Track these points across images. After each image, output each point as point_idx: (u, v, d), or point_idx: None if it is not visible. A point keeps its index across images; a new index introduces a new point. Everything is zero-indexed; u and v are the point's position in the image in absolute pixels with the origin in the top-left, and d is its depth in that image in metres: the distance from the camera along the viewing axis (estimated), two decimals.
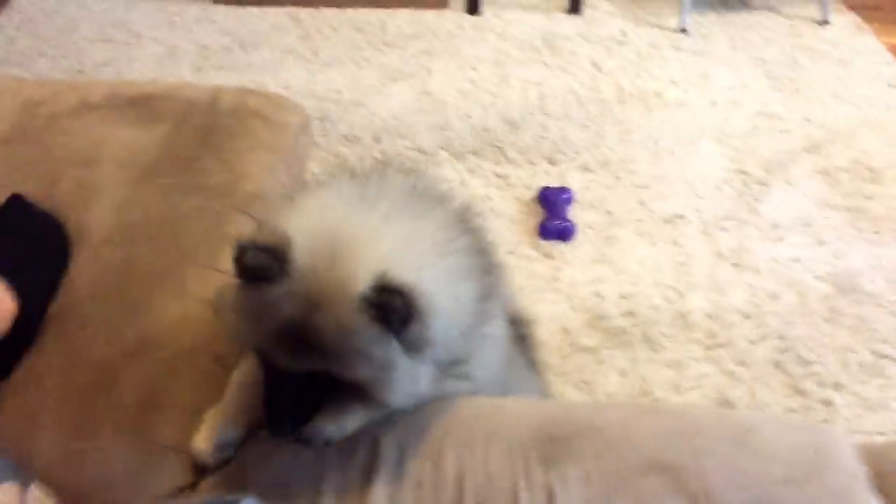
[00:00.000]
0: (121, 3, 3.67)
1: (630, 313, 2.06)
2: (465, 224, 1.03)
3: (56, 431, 1.08)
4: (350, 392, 0.92)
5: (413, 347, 0.90)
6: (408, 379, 0.92)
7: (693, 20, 3.48)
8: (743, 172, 2.57)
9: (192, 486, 1.04)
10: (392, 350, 0.89)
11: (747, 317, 2.05)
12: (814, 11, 3.57)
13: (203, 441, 1.04)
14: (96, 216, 1.34)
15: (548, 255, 2.24)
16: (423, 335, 0.89)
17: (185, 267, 1.24)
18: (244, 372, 1.07)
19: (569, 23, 3.51)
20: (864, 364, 1.94)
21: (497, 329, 1.11)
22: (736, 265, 2.21)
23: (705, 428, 1.03)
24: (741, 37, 3.41)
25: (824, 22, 3.49)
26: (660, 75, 3.12)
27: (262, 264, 0.87)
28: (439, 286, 0.91)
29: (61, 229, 1.33)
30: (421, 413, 1.05)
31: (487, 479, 0.96)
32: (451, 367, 1.01)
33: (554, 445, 1.00)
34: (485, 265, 1.03)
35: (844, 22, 3.50)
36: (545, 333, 2.00)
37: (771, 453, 1.00)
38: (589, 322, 2.04)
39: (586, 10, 3.59)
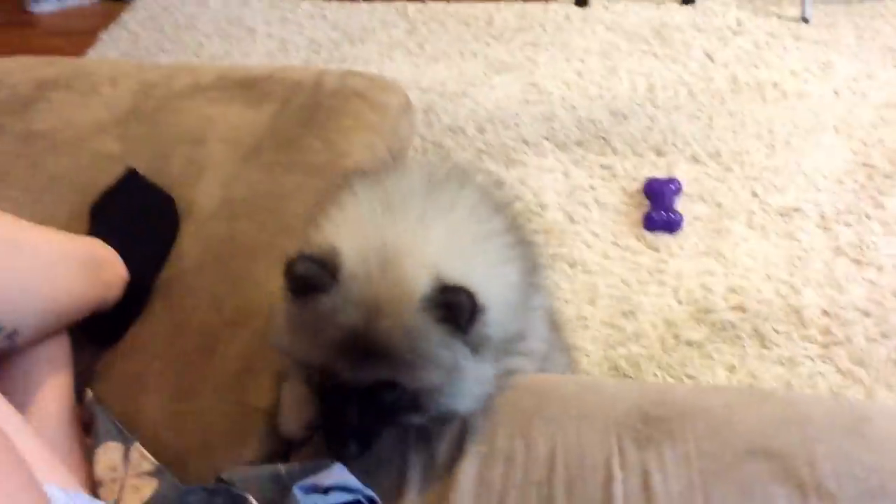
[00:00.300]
0: (236, 1, 3.81)
1: (739, 307, 1.97)
2: (494, 202, 1.00)
3: (160, 394, 1.11)
4: (413, 404, 0.90)
5: (477, 346, 0.88)
6: (475, 382, 0.90)
7: (816, 10, 3.32)
8: (867, 165, 2.43)
9: (286, 453, 1.06)
10: (458, 352, 0.87)
11: (867, 315, 1.93)
12: None
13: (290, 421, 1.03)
14: (204, 192, 1.38)
15: (653, 247, 2.17)
16: (483, 331, 0.88)
17: (284, 240, 1.26)
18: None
19: (681, 13, 3.41)
20: None
21: (543, 300, 1.09)
22: (856, 261, 2.09)
23: (816, 416, 0.97)
24: (869, 26, 3.22)
25: None
26: (778, 65, 2.98)
27: (312, 273, 0.87)
28: (489, 275, 0.91)
29: (172, 204, 1.37)
30: (513, 390, 1.03)
31: (579, 457, 0.93)
32: (509, 345, 0.98)
33: (651, 426, 0.96)
34: (522, 239, 1.01)
35: None
36: (647, 326, 1.95)
37: (887, 444, 0.93)
38: (694, 315, 1.97)
39: (700, 1, 3.48)
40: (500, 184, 1.04)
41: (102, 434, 1.07)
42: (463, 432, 0.97)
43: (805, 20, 3.25)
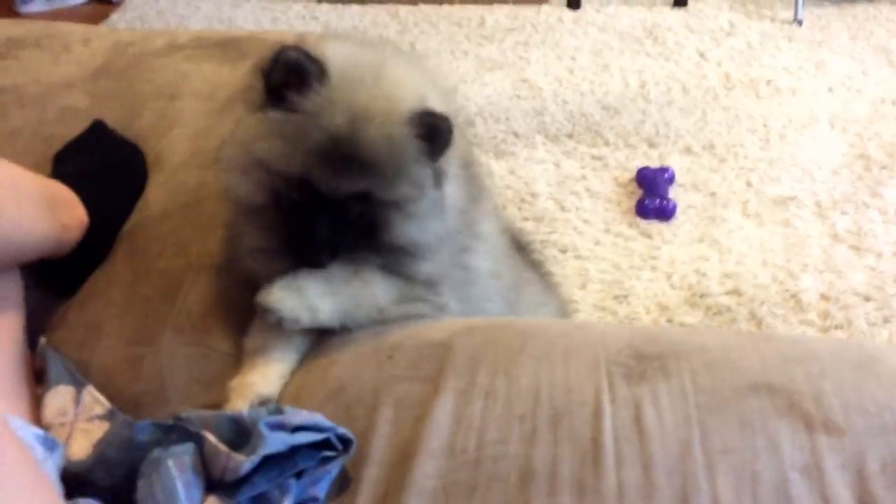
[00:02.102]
0: (227, 2, 3.77)
1: (735, 291, 1.90)
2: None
3: (116, 338, 1.04)
4: (380, 220, 0.93)
5: (438, 178, 0.93)
6: (434, 214, 0.94)
7: (809, 12, 3.30)
8: (864, 157, 2.38)
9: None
10: (426, 173, 0.92)
11: (868, 299, 1.86)
12: None
13: (239, 399, 0.93)
14: (174, 144, 1.31)
15: (646, 234, 2.11)
16: (445, 167, 0.94)
17: None
18: (259, 331, 1.00)
19: (673, 16, 3.39)
20: None
21: (490, 227, 1.12)
22: (855, 247, 2.03)
23: (822, 354, 0.90)
24: (862, 27, 3.20)
25: None
26: (771, 64, 2.95)
27: (300, 63, 0.87)
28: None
29: (139, 156, 1.31)
30: (496, 327, 0.96)
31: (566, 392, 0.86)
32: (458, 252, 1.03)
33: (643, 362, 0.89)
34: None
35: None
36: (640, 309, 1.88)
37: None
38: (688, 300, 1.90)
39: (692, 3, 3.46)
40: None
41: (53, 378, 0.99)
42: (441, 368, 0.90)
43: (798, 22, 3.23)
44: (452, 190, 0.98)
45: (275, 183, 0.92)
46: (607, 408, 0.84)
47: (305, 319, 0.93)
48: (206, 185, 1.21)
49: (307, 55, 0.88)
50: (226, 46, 1.52)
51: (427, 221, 0.94)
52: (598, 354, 0.90)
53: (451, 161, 0.95)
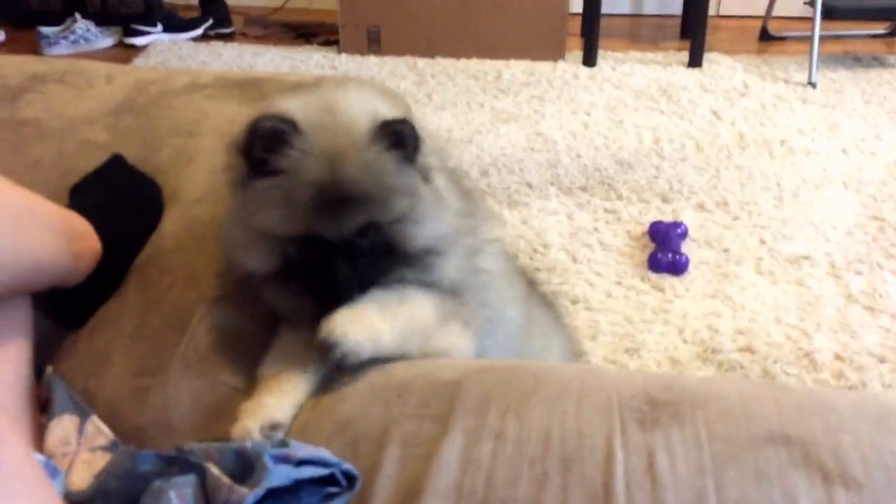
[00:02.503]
0: (248, 50, 3.84)
1: (748, 349, 1.88)
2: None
3: (123, 368, 1.03)
4: (392, 241, 0.95)
5: (425, 174, 0.96)
6: (435, 206, 0.97)
7: (823, 76, 3.33)
8: (878, 218, 2.37)
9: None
10: (413, 178, 0.94)
11: (883, 360, 1.83)
12: None
13: (250, 419, 0.90)
14: (191, 178, 1.32)
15: (658, 288, 2.10)
16: (427, 160, 0.96)
17: None
18: (275, 360, 0.99)
19: (688, 75, 3.43)
20: None
21: (493, 233, 1.13)
22: (869, 308, 2.01)
23: (840, 406, 0.88)
24: (875, 92, 3.24)
25: None
26: (785, 125, 2.97)
27: (277, 127, 0.90)
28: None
29: (156, 190, 1.31)
30: (508, 368, 0.95)
31: (577, 437, 0.84)
32: (469, 256, 1.05)
33: (658, 409, 0.87)
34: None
35: None
36: (651, 363, 1.86)
37: None
38: (700, 355, 1.88)
39: (707, 64, 3.50)
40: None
41: (58, 407, 0.98)
42: (452, 407, 0.88)
43: (812, 85, 3.26)
44: (442, 181, 1.00)
45: (283, 247, 0.94)
46: (619, 454, 0.82)
47: (368, 349, 0.92)
48: (220, 219, 1.21)
49: (281, 119, 0.91)
50: (246, 87, 1.54)
51: (435, 217, 0.97)
52: (611, 399, 0.88)
53: (428, 154, 0.97)
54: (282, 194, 0.90)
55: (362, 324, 0.92)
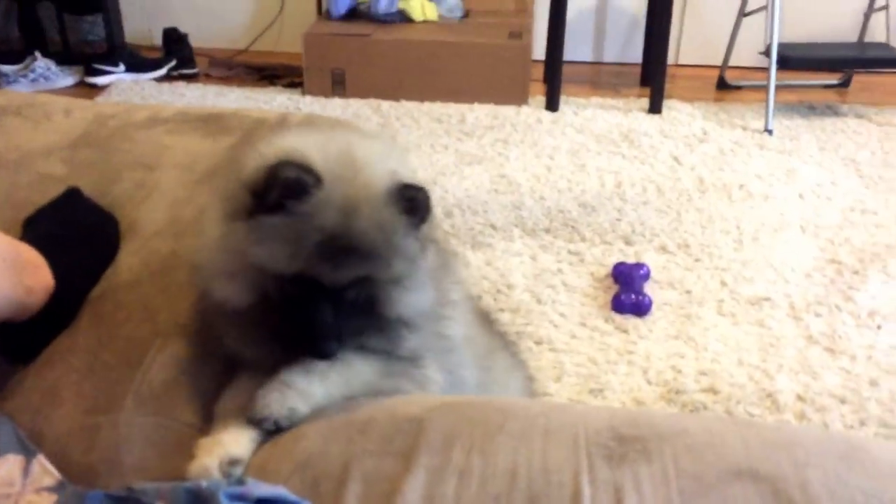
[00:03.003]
0: (213, 91, 3.83)
1: (711, 389, 1.88)
2: None
3: (73, 405, 0.98)
4: (380, 298, 0.95)
5: (424, 244, 0.96)
6: (424, 281, 0.98)
7: (779, 123, 3.41)
8: (835, 262, 2.41)
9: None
10: (415, 245, 0.94)
11: (844, 401, 1.84)
12: None
13: (207, 456, 0.89)
14: (150, 212, 1.29)
15: (622, 329, 2.10)
16: (428, 231, 0.97)
17: None
18: (233, 396, 0.98)
19: (648, 121, 3.49)
20: None
21: (459, 294, 1.13)
22: (829, 350, 2.02)
23: (807, 442, 0.87)
24: (830, 139, 3.32)
25: None
26: (743, 170, 3.03)
27: (301, 178, 0.88)
28: None
29: (113, 223, 1.28)
30: (473, 404, 0.93)
31: (544, 473, 0.82)
32: (435, 321, 1.05)
33: (625, 445, 0.85)
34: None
35: None
36: (616, 404, 1.84)
37: (888, 472, 0.83)
38: (664, 396, 1.87)
39: (666, 111, 3.57)
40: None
41: (2, 446, 0.93)
42: (415, 444, 0.86)
43: (769, 132, 3.33)
44: (432, 254, 0.99)
45: (267, 283, 0.93)
46: (587, 490, 0.80)
47: (301, 408, 0.92)
48: (178, 254, 1.19)
49: (304, 169, 0.89)
50: (208, 121, 1.52)
51: (422, 291, 0.98)
52: (578, 435, 0.87)
53: (431, 228, 0.97)
54: (289, 234, 0.89)
55: (288, 391, 0.92)
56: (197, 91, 3.84)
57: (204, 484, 0.83)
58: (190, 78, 4.06)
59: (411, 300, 0.96)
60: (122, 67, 3.99)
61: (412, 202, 0.93)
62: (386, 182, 0.92)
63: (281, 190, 0.88)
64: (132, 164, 1.40)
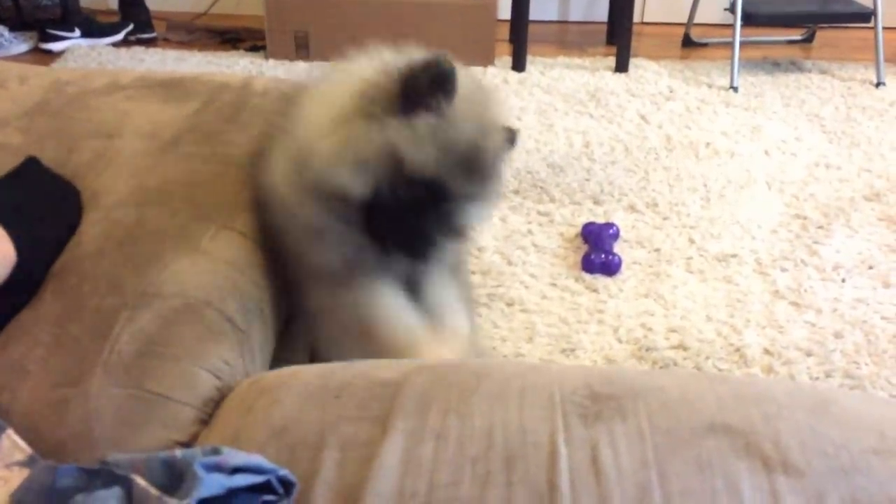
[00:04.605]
0: (173, 56, 3.75)
1: (681, 346, 1.90)
2: None
3: (41, 379, 0.97)
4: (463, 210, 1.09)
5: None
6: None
7: (744, 80, 3.43)
8: (801, 217, 2.44)
9: (190, 442, 0.92)
10: (505, 170, 1.12)
11: (809, 354, 1.88)
12: (869, 74, 3.50)
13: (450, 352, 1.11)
14: (112, 182, 1.26)
15: (592, 289, 2.11)
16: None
17: (199, 226, 1.15)
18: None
19: (615, 80, 3.48)
20: None
21: None
22: (795, 304, 2.05)
23: (779, 395, 0.89)
24: (794, 96, 3.34)
25: (880, 84, 3.40)
26: (710, 127, 3.04)
27: (453, 74, 0.98)
28: None
29: (73, 194, 1.25)
30: (449, 366, 0.93)
31: (521, 433, 0.82)
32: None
33: (600, 403, 0.86)
34: None
35: None
36: (588, 363, 1.86)
37: (857, 422, 0.85)
38: (635, 353, 1.89)
39: (633, 69, 3.56)
40: None
41: None
42: (391, 409, 0.86)
43: (734, 89, 3.34)
44: None
45: (395, 180, 1.01)
46: (563, 449, 0.81)
47: None
48: (143, 223, 1.17)
49: (453, 66, 0.99)
50: (170, 86, 1.49)
51: (488, 206, 1.14)
52: (553, 395, 0.87)
53: None
54: (440, 139, 0.98)
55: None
56: (156, 56, 3.75)
57: (179, 454, 0.82)
58: (148, 43, 3.96)
59: (482, 213, 1.11)
60: (77, 33, 3.88)
61: (512, 135, 1.09)
62: (502, 118, 1.06)
63: (438, 84, 0.97)
64: (92, 133, 1.37)
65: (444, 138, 0.98)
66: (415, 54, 1.04)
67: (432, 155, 0.98)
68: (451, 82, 0.97)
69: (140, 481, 0.77)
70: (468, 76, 1.05)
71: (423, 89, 0.97)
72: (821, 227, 2.38)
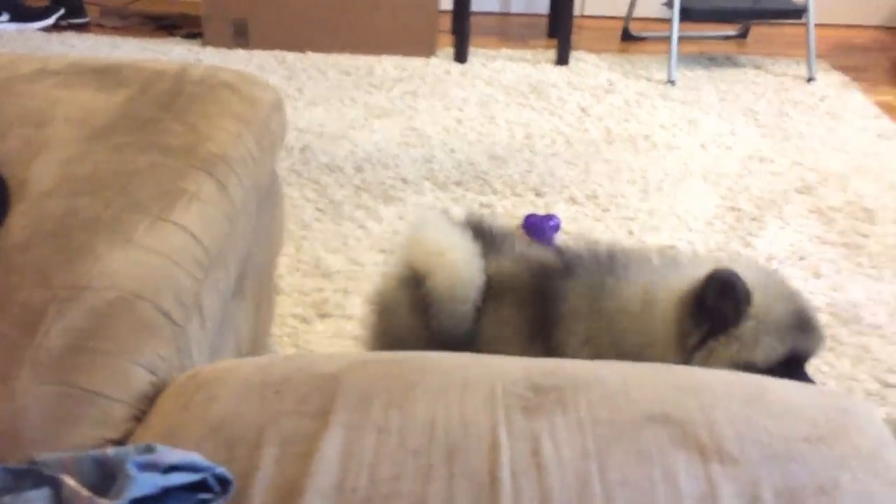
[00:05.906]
0: (106, 42, 3.65)
1: None
2: None
3: None
4: None
5: None
6: None
7: (681, 74, 3.48)
8: (735, 209, 2.50)
9: (123, 439, 0.90)
10: None
11: None
12: (801, 70, 3.59)
13: None
14: (40, 170, 1.21)
15: None
16: None
17: (133, 217, 1.12)
18: None
19: (556, 72, 3.51)
20: (871, 392, 1.81)
21: None
22: None
23: (714, 385, 0.90)
24: (729, 90, 3.41)
25: (811, 79, 3.50)
26: (648, 121, 3.09)
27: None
28: None
29: (1, 183, 1.20)
30: (390, 360, 0.92)
31: (462, 425, 0.82)
32: None
33: (541, 395, 0.86)
34: None
35: (831, 80, 3.52)
36: None
37: (789, 411, 0.87)
38: None
39: (573, 62, 3.59)
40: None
41: None
42: (331, 403, 0.85)
43: (672, 83, 3.40)
44: None
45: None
46: (505, 441, 0.81)
47: None
48: (74, 214, 1.13)
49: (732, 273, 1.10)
50: (103, 73, 1.44)
51: None
52: (495, 387, 0.87)
53: None
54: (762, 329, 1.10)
55: None
56: (88, 42, 3.64)
57: (111, 452, 0.80)
58: (80, 28, 3.84)
59: None
60: (5, 17, 3.74)
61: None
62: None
63: (728, 295, 1.08)
64: (20, 120, 1.31)
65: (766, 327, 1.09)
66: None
67: (771, 345, 1.09)
68: (737, 289, 1.08)
69: (70, 481, 0.75)
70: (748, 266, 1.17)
71: (727, 310, 1.08)
72: (754, 219, 2.44)
